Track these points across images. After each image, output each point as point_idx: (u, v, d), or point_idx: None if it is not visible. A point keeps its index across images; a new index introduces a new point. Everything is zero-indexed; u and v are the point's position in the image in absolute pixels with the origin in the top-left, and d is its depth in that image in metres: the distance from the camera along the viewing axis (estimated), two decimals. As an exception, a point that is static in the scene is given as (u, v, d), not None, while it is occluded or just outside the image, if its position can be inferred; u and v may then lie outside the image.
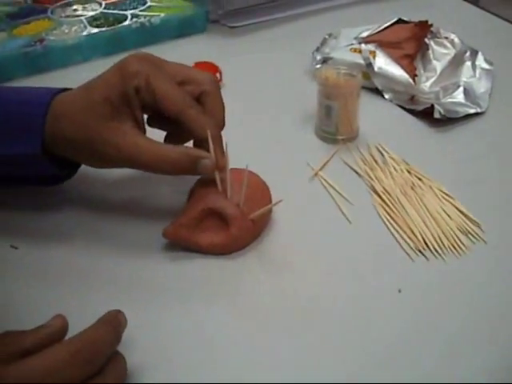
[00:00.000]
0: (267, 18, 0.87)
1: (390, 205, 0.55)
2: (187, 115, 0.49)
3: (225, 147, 0.50)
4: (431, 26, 0.73)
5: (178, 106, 0.49)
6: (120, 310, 0.39)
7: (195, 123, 0.49)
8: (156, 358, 0.42)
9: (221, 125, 0.52)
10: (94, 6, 0.86)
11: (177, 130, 0.52)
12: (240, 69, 0.76)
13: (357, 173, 0.59)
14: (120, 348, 0.39)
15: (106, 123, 0.48)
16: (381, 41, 0.72)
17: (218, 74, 0.72)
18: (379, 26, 0.75)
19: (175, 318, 0.45)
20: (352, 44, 0.74)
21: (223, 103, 0.52)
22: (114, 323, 0.38)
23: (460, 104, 0.67)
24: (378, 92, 0.71)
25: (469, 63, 0.72)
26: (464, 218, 0.53)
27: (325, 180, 0.58)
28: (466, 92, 0.68)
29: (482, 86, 0.70)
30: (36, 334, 0.37)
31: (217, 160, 0.49)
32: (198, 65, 0.72)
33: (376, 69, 0.70)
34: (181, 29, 0.83)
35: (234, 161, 0.51)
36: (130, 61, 0.49)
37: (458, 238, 0.51)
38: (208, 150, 0.49)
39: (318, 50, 0.75)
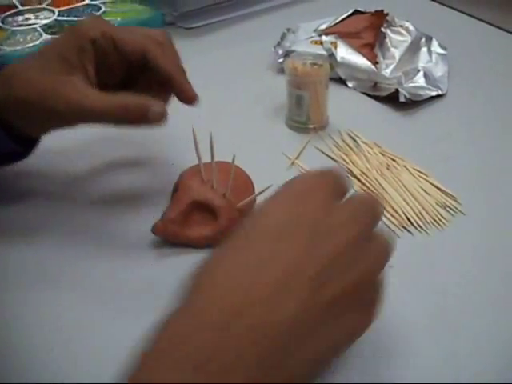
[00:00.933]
0: (223, 17, 0.88)
1: (370, 186, 0.56)
2: (153, 53, 0.49)
3: (211, 140, 0.50)
4: (387, 15, 0.76)
5: (141, 45, 0.49)
6: None
7: (162, 60, 0.49)
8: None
9: (184, 70, 0.52)
10: (47, 13, 0.84)
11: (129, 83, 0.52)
12: (202, 69, 0.76)
13: (332, 159, 0.61)
14: (114, 346, 0.38)
15: (58, 77, 0.47)
16: (340, 32, 0.74)
17: (182, 74, 0.72)
18: (336, 18, 0.77)
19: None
20: (312, 37, 0.76)
21: (178, 56, 0.53)
22: None
23: (422, 87, 0.69)
24: (341, 81, 0.72)
25: (425, 49, 0.75)
26: (441, 193, 0.55)
27: (302, 168, 0.59)
28: (426, 76, 0.70)
29: (439, 70, 0.73)
30: None
31: (188, 92, 0.50)
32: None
33: (339, 59, 0.71)
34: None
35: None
36: (82, 20, 0.50)
37: (437, 211, 0.53)
38: (175, 90, 0.50)
39: (278, 44, 0.77)
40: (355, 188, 0.56)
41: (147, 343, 0.30)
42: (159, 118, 0.48)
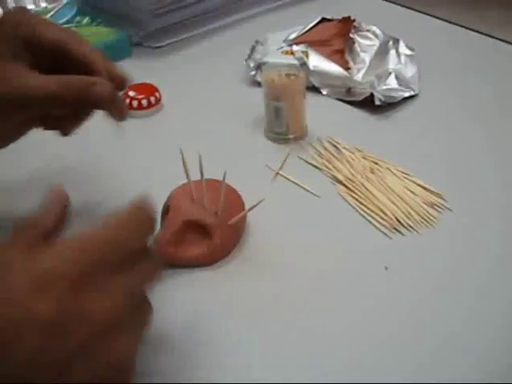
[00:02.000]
0: (190, 33, 0.88)
1: (356, 191, 0.57)
2: (72, 42, 0.48)
3: (200, 159, 0.50)
4: (354, 20, 0.77)
5: (61, 34, 0.48)
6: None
7: (81, 48, 0.48)
8: (150, 367, 0.41)
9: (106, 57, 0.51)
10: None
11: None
12: (175, 87, 0.76)
13: (315, 167, 0.61)
14: None
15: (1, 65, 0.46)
16: (310, 40, 0.75)
17: (157, 94, 0.72)
18: (304, 27, 0.78)
19: (171, 330, 0.45)
20: (282, 47, 0.76)
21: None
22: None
23: (395, 89, 0.70)
24: (315, 89, 0.73)
25: (393, 51, 0.76)
26: (426, 192, 0.56)
27: (287, 179, 0.59)
28: (398, 77, 0.71)
29: (409, 71, 0.74)
30: (49, 213, 0.35)
31: (116, 75, 0.49)
32: (135, 87, 0.71)
33: (311, 67, 0.72)
34: (106, 55, 0.82)
35: (195, 173, 0.50)
36: (9, 11, 0.50)
37: (425, 210, 0.54)
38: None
39: (249, 57, 0.77)
40: (342, 194, 0.57)
41: None
42: (105, 95, 0.47)
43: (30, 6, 0.95)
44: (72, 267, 0.32)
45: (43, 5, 0.94)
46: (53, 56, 0.48)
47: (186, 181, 0.51)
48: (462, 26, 0.86)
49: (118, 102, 0.49)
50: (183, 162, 0.50)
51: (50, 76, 0.47)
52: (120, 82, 0.49)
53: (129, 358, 0.34)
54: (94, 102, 0.47)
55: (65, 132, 0.52)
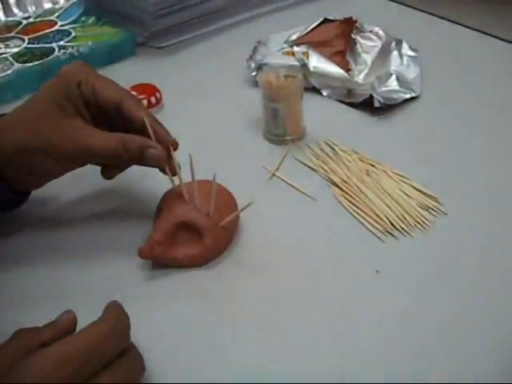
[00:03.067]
0: (194, 34, 0.88)
1: (351, 193, 0.56)
2: (126, 104, 0.50)
3: (191, 160, 0.50)
4: (356, 21, 0.76)
5: (116, 95, 0.50)
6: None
7: (136, 110, 0.50)
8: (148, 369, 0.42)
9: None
10: (17, 42, 0.84)
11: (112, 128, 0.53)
12: (176, 87, 0.77)
13: (312, 169, 0.61)
14: None
15: (57, 122, 0.49)
16: (311, 41, 0.75)
17: (157, 95, 0.72)
18: (306, 28, 0.78)
19: (163, 332, 0.45)
20: (283, 48, 0.76)
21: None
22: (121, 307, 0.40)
23: (395, 91, 0.70)
24: (315, 90, 0.73)
25: (396, 52, 0.76)
26: (422, 195, 0.56)
27: (283, 180, 0.59)
28: (399, 79, 0.71)
29: (411, 72, 0.74)
30: (50, 328, 0.38)
31: (164, 138, 0.50)
32: (135, 88, 0.72)
33: (311, 68, 0.72)
34: (110, 55, 0.83)
35: (189, 174, 0.51)
36: (66, 66, 0.51)
37: (420, 214, 0.54)
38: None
39: (251, 57, 0.77)
40: (336, 196, 0.57)
41: None
42: (156, 160, 0.49)
43: (34, 8, 0.96)
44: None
45: (48, 6, 0.95)
46: (108, 112, 0.51)
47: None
48: (467, 27, 0.85)
49: (169, 163, 0.51)
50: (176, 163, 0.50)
51: (111, 134, 0.50)
52: (168, 146, 0.51)
53: None
54: (147, 163, 0.50)
55: (109, 177, 0.53)
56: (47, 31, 0.87)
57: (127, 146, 0.49)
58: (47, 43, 0.83)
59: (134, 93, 0.71)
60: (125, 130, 0.51)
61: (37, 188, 0.54)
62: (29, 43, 0.84)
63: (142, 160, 0.50)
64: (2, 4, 0.93)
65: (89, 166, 0.55)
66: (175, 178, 0.52)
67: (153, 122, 0.50)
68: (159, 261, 0.50)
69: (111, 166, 0.53)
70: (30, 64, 0.78)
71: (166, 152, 0.50)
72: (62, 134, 0.49)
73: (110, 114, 0.51)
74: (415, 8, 0.92)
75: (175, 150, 0.51)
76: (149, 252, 0.49)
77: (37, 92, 0.51)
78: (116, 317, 0.39)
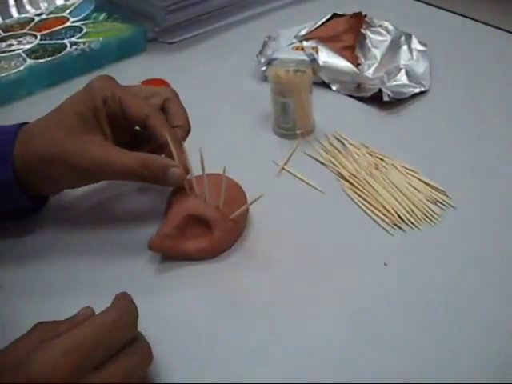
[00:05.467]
0: (204, 29, 0.89)
1: (360, 187, 0.57)
2: (153, 120, 0.51)
3: (201, 154, 0.51)
4: (365, 16, 0.76)
5: (143, 111, 0.51)
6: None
7: (161, 128, 0.51)
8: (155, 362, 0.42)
9: (187, 127, 0.54)
10: (29, 38, 0.85)
11: (136, 143, 0.54)
12: (187, 82, 0.77)
13: (321, 163, 0.61)
14: None
15: (79, 136, 0.49)
16: (320, 36, 0.75)
17: (168, 89, 0.72)
18: (316, 23, 0.78)
19: (174, 324, 0.46)
20: (293, 43, 0.76)
21: (185, 109, 0.55)
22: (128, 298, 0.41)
23: (405, 85, 0.70)
24: (324, 85, 0.73)
25: (405, 47, 0.76)
26: (430, 189, 0.56)
27: (292, 174, 0.60)
28: (408, 73, 0.71)
29: (421, 67, 0.74)
30: (68, 322, 0.39)
31: (181, 163, 0.51)
32: (147, 83, 0.73)
33: (321, 63, 0.72)
34: (121, 51, 0.83)
35: (199, 167, 0.51)
36: (95, 78, 0.52)
37: (428, 207, 0.54)
38: (169, 157, 0.51)
39: (260, 52, 0.77)
40: (345, 190, 0.57)
41: None
42: (177, 180, 0.50)
43: (46, 4, 0.96)
44: (57, 373, 0.34)
45: (60, 2, 0.95)
46: (133, 128, 0.52)
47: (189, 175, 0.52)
48: (477, 21, 0.85)
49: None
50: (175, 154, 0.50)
51: (131, 154, 0.50)
52: (184, 166, 0.51)
53: None
54: (168, 182, 0.51)
55: None
56: (59, 28, 0.88)
57: (148, 165, 0.49)
58: (59, 39, 0.84)
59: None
60: (149, 148, 0.52)
61: (54, 194, 0.55)
62: (41, 39, 0.84)
63: (163, 180, 0.50)
64: (15, 1, 0.94)
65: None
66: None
67: (175, 142, 0.51)
68: (169, 254, 0.50)
69: None
70: (43, 60, 0.79)
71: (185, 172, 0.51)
72: (82, 149, 0.49)
73: (134, 130, 0.52)
74: (425, 2, 0.92)
75: (187, 174, 0.52)
76: (159, 245, 0.49)
77: (62, 102, 0.52)
78: (124, 306, 0.39)
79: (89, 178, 0.52)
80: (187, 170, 0.51)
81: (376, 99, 0.68)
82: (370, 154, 0.61)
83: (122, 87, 0.52)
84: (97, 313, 0.40)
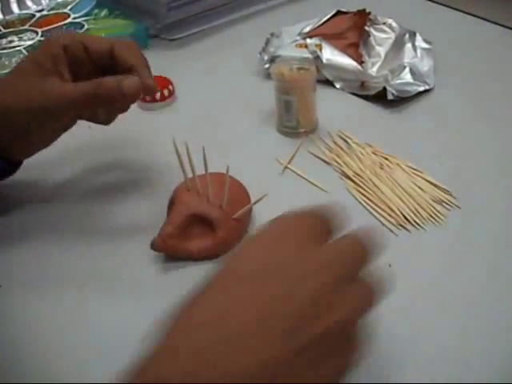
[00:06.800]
0: (207, 26, 0.88)
1: (364, 187, 0.56)
2: (118, 47, 0.52)
3: (204, 153, 0.50)
4: (369, 13, 0.76)
5: (107, 44, 0.52)
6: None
7: (126, 53, 0.51)
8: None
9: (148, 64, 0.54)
10: (30, 35, 0.85)
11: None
12: (190, 79, 0.77)
13: (325, 161, 0.61)
14: (116, 356, 0.38)
15: (37, 79, 0.50)
16: (324, 33, 0.74)
17: (170, 87, 0.72)
18: (319, 20, 0.78)
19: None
20: (296, 40, 0.76)
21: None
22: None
23: (409, 83, 0.69)
24: (328, 83, 0.73)
25: (409, 45, 0.75)
26: (435, 189, 0.55)
27: (295, 173, 0.59)
28: (412, 72, 0.70)
29: (425, 65, 0.73)
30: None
31: (146, 80, 0.51)
32: (149, 79, 0.72)
33: (324, 60, 0.71)
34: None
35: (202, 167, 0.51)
36: (51, 37, 0.54)
37: (433, 207, 0.53)
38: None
39: (263, 50, 0.77)
40: (349, 189, 0.56)
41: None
42: (134, 89, 0.50)
43: (47, 0, 0.96)
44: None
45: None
46: (101, 64, 0.52)
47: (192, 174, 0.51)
48: (481, 18, 0.85)
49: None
50: (188, 155, 0.50)
51: (84, 82, 0.50)
52: (148, 92, 0.53)
53: (339, 379, 0.33)
54: (127, 97, 0.50)
55: (104, 123, 0.56)
56: (60, 24, 0.87)
57: (101, 85, 0.49)
58: (60, 36, 0.83)
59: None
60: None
61: (27, 157, 0.55)
62: (42, 36, 0.84)
63: (120, 94, 0.49)
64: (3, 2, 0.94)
65: (101, 160, 0.56)
66: (188, 171, 0.52)
67: (141, 67, 0.51)
68: (172, 253, 0.50)
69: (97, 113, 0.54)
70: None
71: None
72: (39, 88, 0.50)
73: (105, 67, 0.52)
74: (429, 0, 0.91)
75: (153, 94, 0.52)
76: (161, 245, 0.49)
77: (23, 57, 0.53)
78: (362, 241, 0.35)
79: (51, 119, 0.51)
80: (154, 90, 0.52)
81: (380, 97, 0.68)
82: (375, 153, 0.60)
83: (83, 33, 0.54)
84: (95, 313, 0.39)
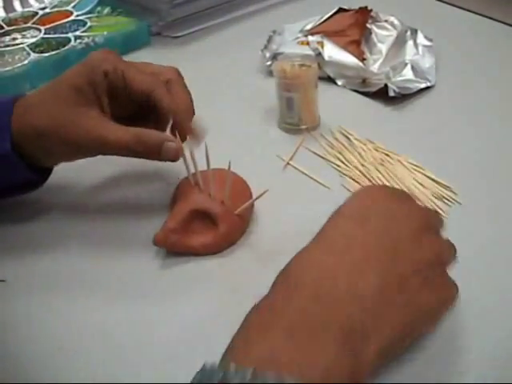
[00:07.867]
0: (209, 23, 0.88)
1: (365, 183, 0.57)
2: (158, 94, 0.50)
3: (206, 149, 0.51)
4: (371, 11, 0.76)
5: (148, 85, 0.50)
6: None
7: (165, 101, 0.50)
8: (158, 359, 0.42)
9: (191, 111, 0.54)
10: (33, 32, 0.85)
11: (135, 119, 0.53)
12: (192, 76, 0.76)
13: (326, 158, 0.61)
14: (119, 353, 0.38)
15: (74, 109, 0.49)
16: (326, 31, 0.75)
17: (172, 83, 0.72)
18: (321, 18, 0.78)
19: (178, 317, 0.46)
20: (298, 37, 0.76)
21: (189, 92, 0.54)
22: None
23: (410, 80, 0.69)
24: (330, 80, 0.73)
25: (411, 42, 0.75)
26: (436, 185, 0.56)
27: (297, 169, 0.60)
28: (414, 69, 0.71)
29: (426, 62, 0.73)
30: None
31: (191, 130, 0.52)
32: (151, 77, 0.72)
33: (326, 58, 0.72)
34: (126, 45, 0.83)
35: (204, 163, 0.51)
36: (96, 52, 0.51)
37: (435, 204, 0.54)
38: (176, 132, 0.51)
39: (265, 47, 0.77)
40: (351, 185, 0.57)
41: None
42: (173, 154, 0.49)
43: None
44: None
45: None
46: (136, 102, 0.51)
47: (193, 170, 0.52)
48: (484, 16, 0.85)
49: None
50: (191, 152, 0.50)
51: (126, 128, 0.49)
52: (191, 136, 0.52)
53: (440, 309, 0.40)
54: (164, 157, 0.50)
55: None
56: (63, 21, 0.87)
57: (143, 140, 0.49)
58: (63, 33, 0.84)
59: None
60: (155, 116, 0.51)
61: (53, 166, 0.55)
62: (45, 33, 0.84)
63: (158, 155, 0.49)
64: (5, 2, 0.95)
65: (103, 156, 0.56)
66: (191, 167, 0.52)
67: (181, 116, 0.51)
68: (174, 249, 0.50)
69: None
70: (47, 54, 0.79)
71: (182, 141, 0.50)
72: (77, 122, 0.49)
73: (135, 105, 0.51)
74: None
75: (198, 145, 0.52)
76: (163, 240, 0.49)
77: (60, 75, 0.51)
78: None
79: (83, 151, 0.51)
80: (196, 140, 0.52)
81: (381, 94, 0.68)
82: (376, 150, 0.61)
83: (125, 61, 0.51)
84: (96, 306, 0.39)
